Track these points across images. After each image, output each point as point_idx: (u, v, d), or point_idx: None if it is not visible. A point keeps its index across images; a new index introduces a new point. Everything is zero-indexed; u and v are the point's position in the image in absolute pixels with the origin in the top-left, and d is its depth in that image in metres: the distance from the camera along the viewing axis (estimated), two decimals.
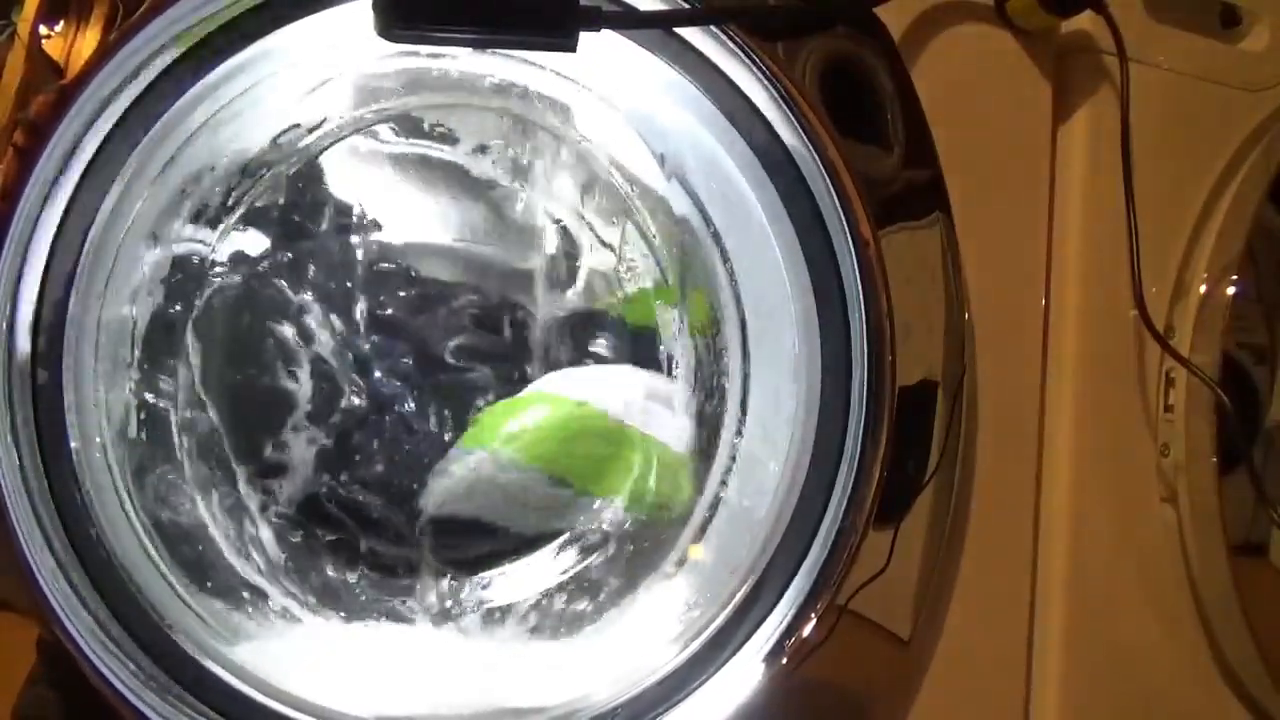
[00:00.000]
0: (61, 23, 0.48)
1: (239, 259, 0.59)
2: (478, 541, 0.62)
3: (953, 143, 0.59)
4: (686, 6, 0.53)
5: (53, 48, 0.48)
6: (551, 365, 0.65)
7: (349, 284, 0.60)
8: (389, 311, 0.62)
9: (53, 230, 0.46)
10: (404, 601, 0.60)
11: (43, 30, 0.48)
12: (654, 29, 0.53)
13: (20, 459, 0.45)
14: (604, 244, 0.65)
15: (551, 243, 0.65)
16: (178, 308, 0.56)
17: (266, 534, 0.57)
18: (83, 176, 0.46)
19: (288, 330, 0.58)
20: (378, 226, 0.62)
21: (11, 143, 0.44)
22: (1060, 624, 0.62)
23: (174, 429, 0.56)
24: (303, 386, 0.58)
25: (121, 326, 0.53)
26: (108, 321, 0.51)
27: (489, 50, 0.57)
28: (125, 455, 0.53)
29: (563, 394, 0.62)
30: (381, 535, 0.60)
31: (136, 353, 0.54)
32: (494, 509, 0.60)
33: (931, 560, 0.56)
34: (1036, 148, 0.64)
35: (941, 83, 0.59)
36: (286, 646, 0.54)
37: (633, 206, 0.63)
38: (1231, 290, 0.65)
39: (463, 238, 0.64)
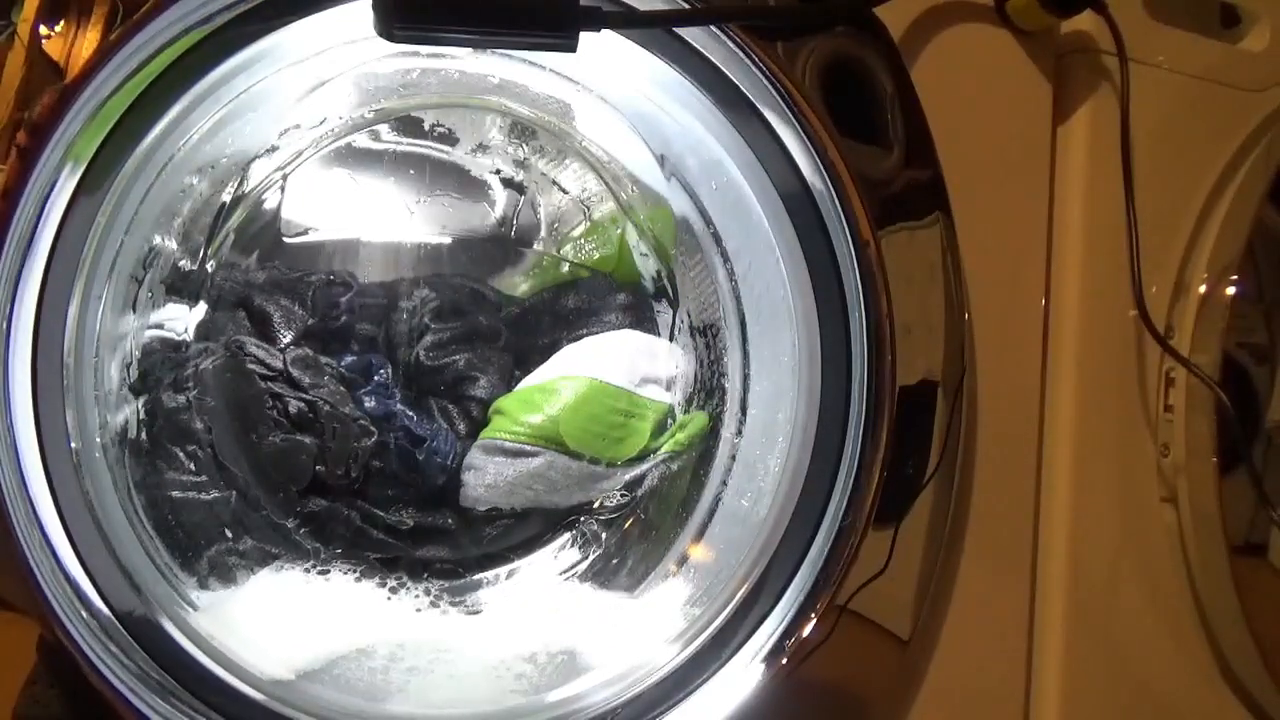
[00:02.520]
0: (61, 23, 0.48)
1: (209, 326, 0.60)
2: (519, 528, 0.63)
3: (953, 143, 0.59)
4: (686, 6, 0.53)
5: (53, 48, 0.48)
6: (528, 329, 0.65)
7: (301, 310, 0.61)
8: (344, 326, 0.63)
9: (53, 230, 0.46)
10: (465, 598, 0.61)
11: (43, 30, 0.48)
12: (654, 29, 0.53)
13: (20, 459, 0.45)
14: (553, 183, 0.66)
15: (500, 197, 0.66)
16: (172, 393, 0.57)
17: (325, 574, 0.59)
18: (83, 177, 0.46)
19: (277, 384, 0.59)
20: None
21: (13, 143, 0.44)
22: (1060, 624, 0.62)
23: (211, 511, 0.56)
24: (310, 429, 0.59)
25: (120, 344, 0.54)
26: (109, 328, 0.51)
27: (489, 50, 0.57)
28: (126, 456, 0.54)
29: (575, 374, 0.62)
30: (434, 543, 0.61)
31: (133, 375, 0.55)
32: (528, 495, 0.61)
33: (931, 560, 0.56)
34: (1036, 148, 0.64)
35: (941, 83, 0.59)
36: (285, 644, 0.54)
37: (571, 135, 0.63)
38: (1231, 290, 0.65)
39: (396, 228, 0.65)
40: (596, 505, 0.64)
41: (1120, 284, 0.64)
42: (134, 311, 0.55)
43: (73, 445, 0.47)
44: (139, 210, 0.51)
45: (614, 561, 0.63)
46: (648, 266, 0.67)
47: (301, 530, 0.59)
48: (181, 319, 0.60)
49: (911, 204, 0.57)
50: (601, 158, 0.65)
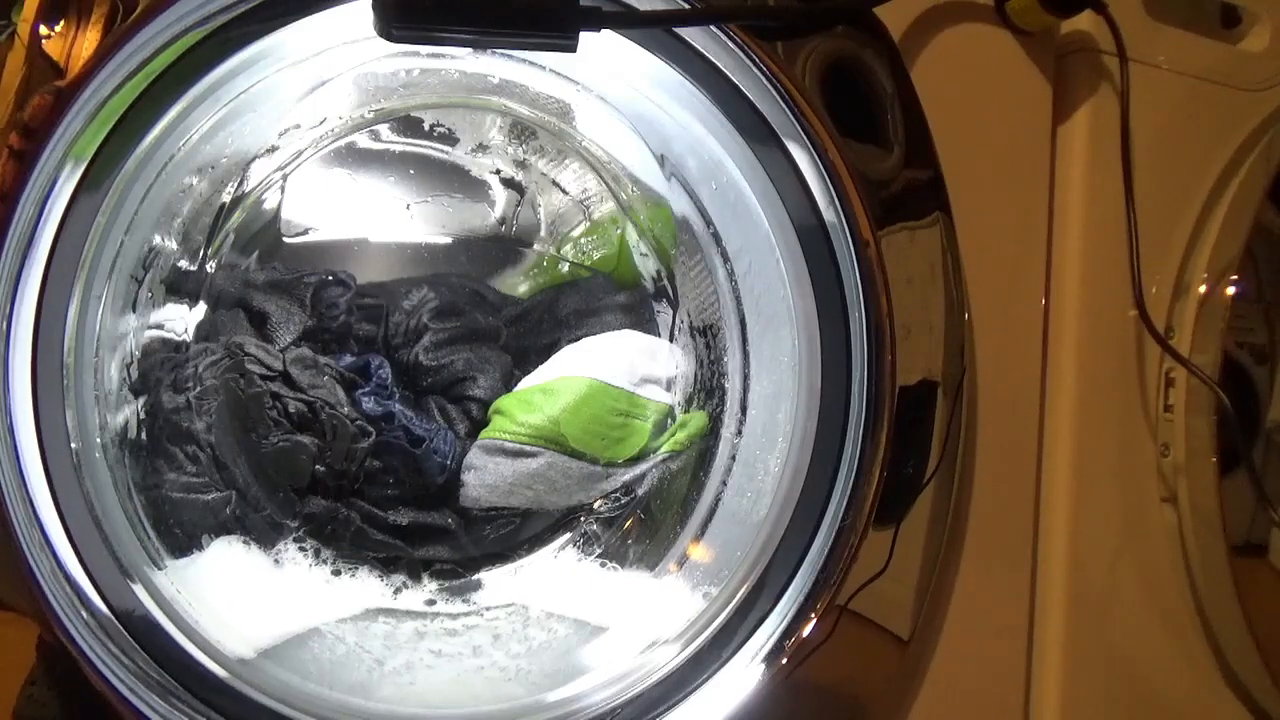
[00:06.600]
0: (61, 23, 0.48)
1: (209, 327, 0.59)
2: (519, 527, 0.63)
3: (953, 143, 0.59)
4: (686, 6, 0.53)
5: (53, 48, 0.47)
6: (527, 329, 0.65)
7: (300, 310, 0.61)
8: (343, 326, 0.62)
9: (53, 230, 0.46)
10: (467, 598, 0.61)
11: (43, 30, 0.48)
12: (654, 29, 0.53)
13: (20, 459, 0.45)
14: (553, 183, 0.66)
15: (500, 197, 0.66)
16: (172, 393, 0.57)
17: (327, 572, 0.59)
18: (83, 177, 0.46)
19: (277, 385, 0.59)
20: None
21: (7, 145, 0.44)
22: (1060, 624, 0.62)
23: (211, 512, 0.57)
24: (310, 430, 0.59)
25: (121, 340, 0.54)
26: (109, 328, 0.51)
27: (489, 50, 0.57)
28: (126, 456, 0.54)
29: (575, 374, 0.62)
30: (434, 542, 0.61)
31: (134, 374, 0.55)
32: (528, 495, 0.61)
33: (931, 560, 0.56)
34: (1036, 148, 0.64)
35: (941, 83, 0.59)
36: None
37: (567, 131, 0.63)
38: (1231, 290, 0.65)
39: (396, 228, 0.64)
40: (596, 505, 0.64)
41: (1120, 284, 0.64)
42: (134, 311, 0.55)
43: (73, 445, 0.47)
44: (139, 210, 0.51)
45: (614, 561, 0.63)
46: (648, 266, 0.67)
47: (301, 530, 0.59)
48: (181, 319, 0.60)
49: (911, 204, 0.57)
50: (601, 158, 0.65)
